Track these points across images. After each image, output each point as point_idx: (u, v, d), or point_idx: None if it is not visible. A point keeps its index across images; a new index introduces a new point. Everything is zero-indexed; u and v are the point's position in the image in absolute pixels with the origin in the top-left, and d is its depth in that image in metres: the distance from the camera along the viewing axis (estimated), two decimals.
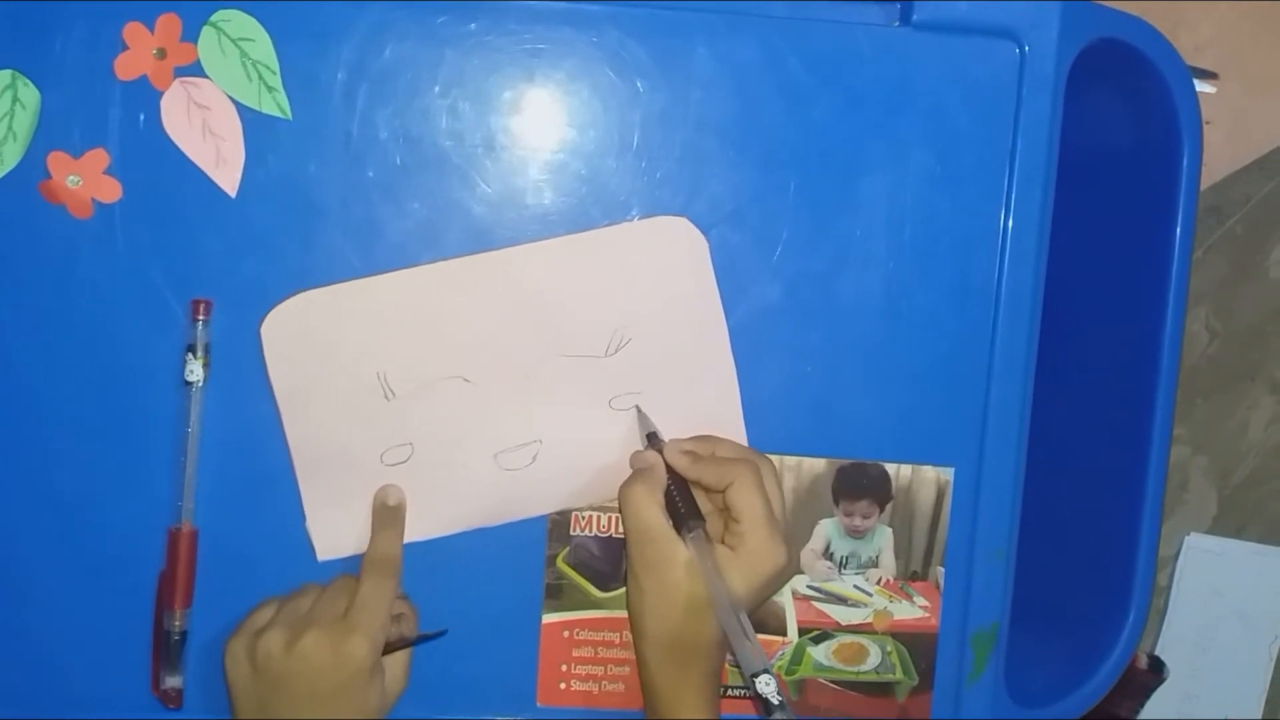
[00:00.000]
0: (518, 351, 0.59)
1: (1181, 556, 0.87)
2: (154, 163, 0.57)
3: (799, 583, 0.63)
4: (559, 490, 0.61)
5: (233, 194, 0.57)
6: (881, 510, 0.63)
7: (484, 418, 0.60)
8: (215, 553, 0.59)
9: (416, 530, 0.60)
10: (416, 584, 0.60)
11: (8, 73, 0.56)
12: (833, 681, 0.64)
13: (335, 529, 0.60)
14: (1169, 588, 0.87)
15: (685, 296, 0.60)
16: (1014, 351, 0.62)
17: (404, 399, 0.59)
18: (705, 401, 0.61)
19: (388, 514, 0.59)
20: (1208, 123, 0.63)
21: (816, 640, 0.64)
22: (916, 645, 0.64)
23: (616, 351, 0.59)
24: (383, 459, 0.60)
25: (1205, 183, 0.80)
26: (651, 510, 0.56)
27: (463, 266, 0.58)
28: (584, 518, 0.62)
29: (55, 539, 0.59)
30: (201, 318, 0.57)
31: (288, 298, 0.58)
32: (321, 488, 0.59)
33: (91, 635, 0.60)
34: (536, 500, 0.61)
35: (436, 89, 0.58)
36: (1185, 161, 0.63)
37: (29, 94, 0.56)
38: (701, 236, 0.59)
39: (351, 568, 0.59)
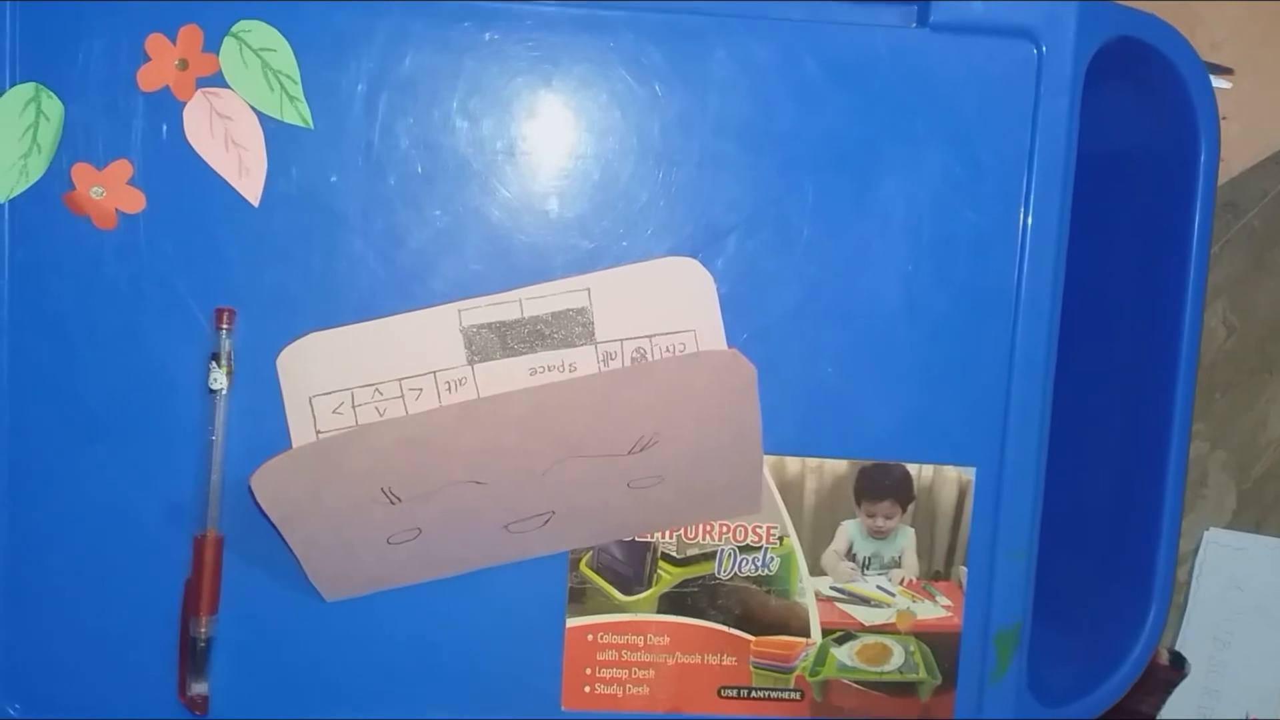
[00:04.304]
0: (535, 460, 0.59)
1: (1201, 551, 0.87)
2: (177, 173, 0.57)
3: (822, 584, 0.63)
4: (568, 541, 0.62)
5: (256, 203, 0.57)
6: (904, 511, 0.63)
7: (495, 505, 0.59)
8: (241, 560, 0.60)
9: (424, 573, 0.61)
10: (441, 587, 0.61)
11: (31, 85, 0.56)
12: (856, 682, 0.64)
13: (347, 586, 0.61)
14: (1189, 583, 0.87)
15: (724, 416, 0.59)
16: (1034, 350, 0.62)
17: (411, 502, 0.58)
18: (729, 481, 0.61)
19: None
20: (1224, 118, 0.63)
21: (840, 641, 0.64)
22: (939, 645, 0.64)
23: (641, 451, 0.59)
24: (388, 541, 0.59)
25: (1222, 178, 0.80)
26: None
27: (476, 409, 0.58)
28: None
29: (81, 546, 0.59)
30: (225, 326, 0.58)
31: (270, 460, 0.56)
32: (327, 574, 0.60)
33: (118, 642, 0.60)
34: (545, 547, 0.61)
35: (456, 97, 0.58)
36: (1203, 157, 0.63)
37: (52, 106, 0.56)
38: (749, 365, 0.58)
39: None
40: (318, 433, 0.59)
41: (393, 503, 0.58)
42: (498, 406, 0.58)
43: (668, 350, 0.60)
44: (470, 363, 0.59)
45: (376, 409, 0.59)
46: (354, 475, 0.57)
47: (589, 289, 0.59)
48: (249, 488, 0.56)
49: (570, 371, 0.59)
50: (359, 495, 0.58)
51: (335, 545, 0.59)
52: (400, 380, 0.59)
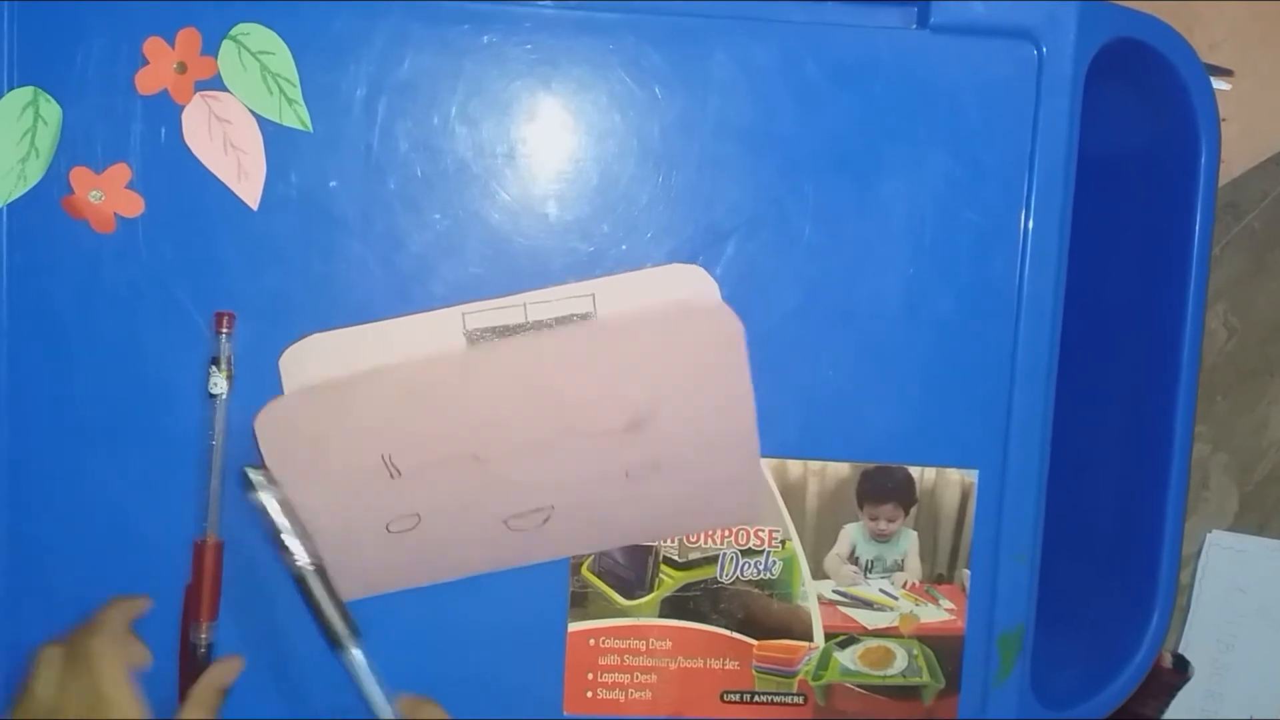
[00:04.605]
0: (532, 430, 0.59)
1: (1203, 554, 0.87)
2: (176, 177, 0.57)
3: (825, 588, 0.63)
4: (569, 544, 0.61)
5: (254, 207, 0.57)
6: (906, 514, 0.63)
7: (494, 490, 0.59)
8: (241, 565, 0.59)
9: (424, 577, 0.61)
10: (444, 592, 0.61)
11: (29, 89, 0.56)
12: (859, 686, 0.64)
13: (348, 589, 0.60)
14: (1191, 586, 0.87)
15: (714, 380, 0.59)
16: (1036, 352, 0.62)
17: (410, 477, 0.58)
18: (727, 469, 0.61)
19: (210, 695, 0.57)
20: (1224, 120, 0.63)
21: (843, 645, 0.63)
22: (943, 648, 0.64)
23: (637, 428, 0.59)
24: (388, 528, 0.59)
25: (1222, 180, 0.80)
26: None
27: (474, 356, 0.58)
28: None
29: (82, 552, 0.59)
30: (225, 330, 0.57)
31: (277, 399, 0.57)
32: (326, 557, 0.59)
33: None
34: (547, 551, 0.61)
35: (455, 100, 0.58)
36: (1203, 159, 0.63)
37: (51, 110, 0.56)
38: (737, 319, 0.59)
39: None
40: None
41: (393, 476, 0.58)
42: (495, 355, 0.58)
43: None
44: None
45: None
46: (356, 433, 0.57)
47: (594, 295, 0.59)
48: (252, 432, 0.56)
49: None
50: (360, 460, 0.57)
51: (335, 528, 0.58)
52: None
